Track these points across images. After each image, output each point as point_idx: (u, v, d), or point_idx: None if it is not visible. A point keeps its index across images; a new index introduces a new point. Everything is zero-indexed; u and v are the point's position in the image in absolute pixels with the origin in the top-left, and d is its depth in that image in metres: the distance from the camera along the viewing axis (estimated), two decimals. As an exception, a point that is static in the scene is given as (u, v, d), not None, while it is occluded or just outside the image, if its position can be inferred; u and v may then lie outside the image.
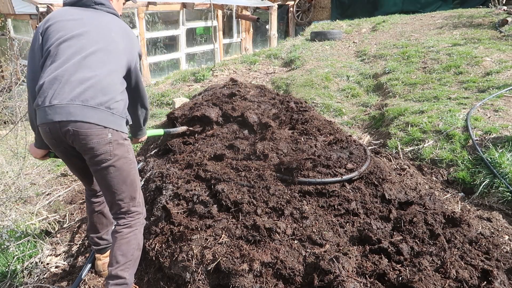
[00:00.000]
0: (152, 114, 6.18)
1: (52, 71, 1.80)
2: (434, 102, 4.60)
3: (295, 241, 2.06)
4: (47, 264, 2.69)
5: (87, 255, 2.65)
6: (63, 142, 1.87)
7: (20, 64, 5.35)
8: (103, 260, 2.34)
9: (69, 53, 1.83)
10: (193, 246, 2.04)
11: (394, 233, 2.18)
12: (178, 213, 2.33)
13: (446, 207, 2.72)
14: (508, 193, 2.87)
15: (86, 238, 2.90)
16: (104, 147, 1.85)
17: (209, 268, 1.95)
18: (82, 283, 2.36)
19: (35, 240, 2.83)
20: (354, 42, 8.69)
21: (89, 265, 2.39)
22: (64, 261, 2.71)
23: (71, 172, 2.33)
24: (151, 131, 2.80)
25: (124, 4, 2.23)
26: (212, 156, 2.80)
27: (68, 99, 1.77)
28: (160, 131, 2.98)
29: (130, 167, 1.98)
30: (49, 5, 7.73)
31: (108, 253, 2.32)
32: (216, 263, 1.93)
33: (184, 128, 3.16)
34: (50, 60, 1.84)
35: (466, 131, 3.63)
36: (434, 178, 3.33)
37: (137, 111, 2.20)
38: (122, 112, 1.93)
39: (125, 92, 1.99)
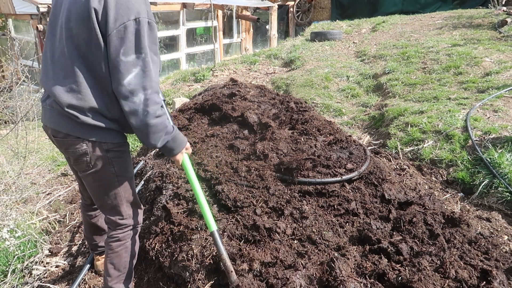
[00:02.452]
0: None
1: (43, 68, 1.74)
2: (434, 102, 4.60)
3: (295, 241, 2.07)
4: (47, 263, 2.69)
5: (87, 255, 2.66)
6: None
7: (21, 64, 5.36)
8: (101, 260, 2.35)
9: (50, 51, 1.72)
10: (193, 246, 2.05)
11: (394, 233, 2.19)
12: (178, 212, 2.34)
13: (445, 207, 2.73)
14: (508, 193, 2.88)
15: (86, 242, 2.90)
16: (80, 158, 1.68)
17: (209, 268, 1.96)
18: (82, 282, 2.37)
19: (35, 239, 2.83)
20: (354, 42, 8.70)
21: (88, 266, 2.40)
22: (64, 261, 2.71)
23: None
24: (192, 175, 1.89)
25: None
26: (212, 156, 2.81)
27: (48, 103, 1.68)
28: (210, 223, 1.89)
29: (112, 180, 1.77)
30: (50, 5, 7.74)
31: None
32: (216, 263, 1.93)
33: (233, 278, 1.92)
34: (44, 55, 1.76)
35: (465, 131, 3.64)
36: (433, 178, 3.34)
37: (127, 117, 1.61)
38: (105, 121, 1.65)
39: (110, 94, 1.62)
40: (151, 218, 2.48)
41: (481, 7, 10.63)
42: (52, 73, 1.63)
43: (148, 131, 1.60)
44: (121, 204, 1.86)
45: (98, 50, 1.54)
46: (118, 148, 1.75)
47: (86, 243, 2.66)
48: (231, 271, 1.80)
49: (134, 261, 2.04)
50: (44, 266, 2.67)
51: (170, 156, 1.77)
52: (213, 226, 1.85)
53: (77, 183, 2.38)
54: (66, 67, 1.59)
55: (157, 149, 1.76)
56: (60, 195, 3.69)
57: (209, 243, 2.04)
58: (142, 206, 2.05)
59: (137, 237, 2.03)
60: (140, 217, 2.01)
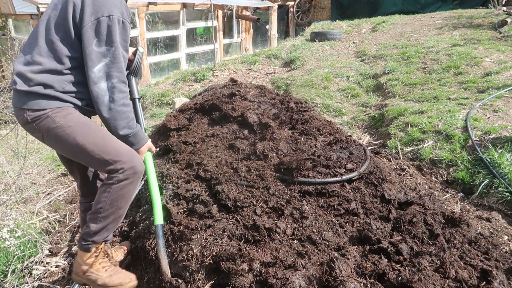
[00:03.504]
0: (152, 114, 6.18)
1: None
2: (434, 102, 4.60)
3: (295, 241, 2.07)
4: (47, 263, 2.70)
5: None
6: None
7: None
8: None
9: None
10: (193, 246, 2.04)
11: (394, 233, 2.19)
12: (178, 212, 2.34)
13: (445, 207, 2.73)
14: (508, 193, 2.88)
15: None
16: (27, 126, 1.83)
17: (209, 268, 1.96)
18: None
19: (35, 239, 2.84)
20: (354, 42, 8.70)
21: None
22: (64, 261, 2.71)
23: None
24: (152, 172, 2.06)
25: None
26: (212, 156, 2.81)
27: None
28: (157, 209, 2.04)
29: (64, 133, 1.78)
30: (50, 5, 7.73)
31: None
32: (216, 263, 1.93)
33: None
34: None
35: (465, 131, 3.64)
36: (433, 178, 3.34)
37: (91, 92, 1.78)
38: (49, 92, 1.76)
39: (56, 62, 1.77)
40: (151, 218, 2.48)
41: (481, 7, 10.64)
42: (23, 55, 1.81)
43: (112, 116, 1.78)
44: (94, 152, 1.81)
45: (62, 33, 1.74)
46: (57, 110, 1.79)
47: None
48: (164, 268, 1.92)
49: (119, 214, 1.95)
50: (44, 266, 2.67)
51: (120, 134, 1.89)
52: (160, 220, 1.97)
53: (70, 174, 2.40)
54: (31, 45, 1.79)
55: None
56: (60, 195, 3.69)
57: (209, 243, 2.04)
58: (132, 152, 1.92)
59: (131, 187, 1.90)
60: (133, 162, 1.87)
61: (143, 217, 2.59)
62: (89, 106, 1.90)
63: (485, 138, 3.50)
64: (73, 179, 4.00)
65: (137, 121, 2.05)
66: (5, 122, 5.41)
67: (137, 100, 2.12)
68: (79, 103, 1.86)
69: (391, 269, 1.84)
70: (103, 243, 2.03)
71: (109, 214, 1.92)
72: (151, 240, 2.29)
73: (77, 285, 2.30)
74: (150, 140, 2.02)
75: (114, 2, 1.75)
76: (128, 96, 1.81)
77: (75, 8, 1.72)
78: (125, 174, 1.85)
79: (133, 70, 2.09)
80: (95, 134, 1.84)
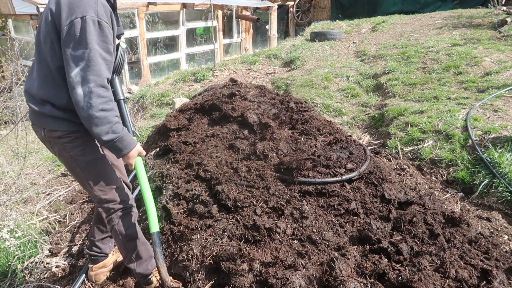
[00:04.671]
0: (152, 114, 6.18)
1: None
2: (434, 102, 4.60)
3: (295, 241, 2.07)
4: (47, 264, 2.69)
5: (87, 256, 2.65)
6: None
7: (21, 64, 5.36)
8: (95, 271, 2.33)
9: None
10: (193, 246, 2.04)
11: (394, 233, 2.19)
12: (178, 213, 2.34)
13: (445, 207, 2.73)
14: (508, 193, 2.88)
15: (86, 239, 2.90)
16: (45, 143, 1.95)
17: (209, 268, 1.96)
18: (82, 283, 2.37)
19: (35, 240, 2.83)
20: (354, 42, 8.70)
21: (83, 276, 2.38)
22: (64, 261, 2.71)
23: None
24: (144, 179, 1.94)
25: None
26: (212, 156, 2.81)
27: None
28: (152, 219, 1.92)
29: (72, 164, 1.90)
30: (49, 5, 7.73)
31: (100, 264, 2.34)
32: (216, 263, 1.93)
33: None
34: None
35: (465, 131, 3.64)
36: (433, 178, 3.34)
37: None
38: (56, 112, 1.80)
39: (52, 83, 1.78)
40: (151, 218, 2.48)
41: (481, 6, 10.63)
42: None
43: (91, 122, 1.69)
44: (91, 187, 1.95)
45: (49, 43, 1.72)
46: (69, 135, 1.85)
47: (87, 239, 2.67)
48: (164, 276, 1.89)
49: (137, 243, 2.07)
50: (44, 267, 2.67)
51: (119, 156, 1.85)
52: (156, 228, 1.88)
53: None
54: (33, 64, 1.87)
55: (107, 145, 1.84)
56: (60, 195, 3.69)
57: (209, 243, 2.04)
58: (123, 190, 2.04)
59: (127, 219, 2.04)
60: (124, 202, 2.02)
61: (143, 217, 2.59)
62: None
63: (485, 137, 3.50)
64: (73, 180, 3.99)
65: (124, 124, 1.97)
66: (5, 123, 5.41)
67: (122, 101, 2.03)
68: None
69: (391, 269, 1.84)
70: (154, 269, 2.13)
71: (134, 247, 2.06)
72: (151, 241, 2.29)
73: (77, 285, 2.30)
74: (139, 144, 1.93)
75: (89, 2, 1.67)
76: (109, 100, 1.71)
77: (53, 15, 1.68)
78: (119, 210, 2.03)
79: (115, 68, 1.97)
80: (98, 173, 1.96)
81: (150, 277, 2.13)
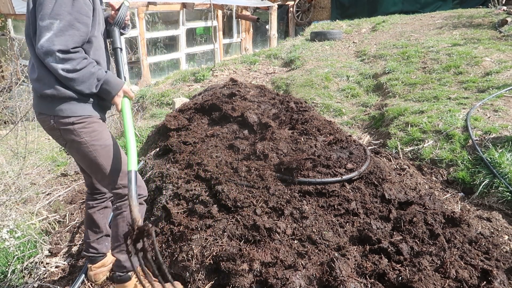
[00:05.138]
0: (152, 114, 6.18)
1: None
2: (434, 102, 4.60)
3: (295, 241, 2.06)
4: (47, 264, 2.69)
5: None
6: None
7: (20, 64, 5.36)
8: (94, 271, 2.32)
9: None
10: (193, 246, 2.04)
11: (394, 233, 2.18)
12: (178, 213, 2.33)
13: (446, 207, 2.72)
14: (508, 193, 2.87)
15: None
16: (53, 133, 1.89)
17: (209, 268, 1.95)
18: (81, 283, 2.36)
19: (35, 240, 2.83)
20: (354, 42, 8.70)
21: (83, 276, 2.38)
22: (64, 261, 2.71)
23: None
24: (128, 118, 1.95)
25: None
26: (212, 156, 2.81)
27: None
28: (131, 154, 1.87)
29: (87, 150, 1.89)
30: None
31: (99, 263, 2.34)
32: (216, 263, 1.93)
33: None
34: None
35: (466, 131, 3.64)
36: (434, 178, 3.33)
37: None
38: (64, 94, 1.79)
39: (37, 63, 1.78)
40: (151, 218, 2.48)
41: (481, 6, 10.63)
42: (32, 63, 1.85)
43: (75, 83, 1.76)
44: (108, 173, 1.95)
45: (33, 25, 1.73)
46: (82, 120, 1.86)
47: (82, 241, 2.67)
48: (135, 215, 1.76)
49: None
50: (44, 267, 2.66)
51: (109, 99, 1.91)
52: (134, 167, 1.84)
53: (79, 180, 2.51)
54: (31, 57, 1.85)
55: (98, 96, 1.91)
56: (60, 196, 3.69)
57: (209, 243, 2.04)
58: (139, 178, 2.01)
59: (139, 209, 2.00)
60: (139, 188, 1.98)
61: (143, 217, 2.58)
62: (100, 99, 1.93)
63: (486, 137, 3.49)
64: (73, 180, 3.99)
65: (118, 72, 2.05)
66: (5, 123, 5.41)
67: (118, 50, 2.11)
68: (91, 99, 1.88)
69: (391, 269, 1.84)
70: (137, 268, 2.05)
71: None
72: (151, 241, 2.28)
73: (77, 285, 2.30)
74: (126, 84, 1.96)
75: None
76: (81, 60, 1.75)
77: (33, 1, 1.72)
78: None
79: (116, 22, 2.11)
80: (115, 158, 1.96)
81: (130, 273, 2.08)
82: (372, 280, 1.81)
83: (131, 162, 1.86)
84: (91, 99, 1.88)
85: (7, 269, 2.62)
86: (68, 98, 1.80)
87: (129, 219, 1.90)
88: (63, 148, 4.78)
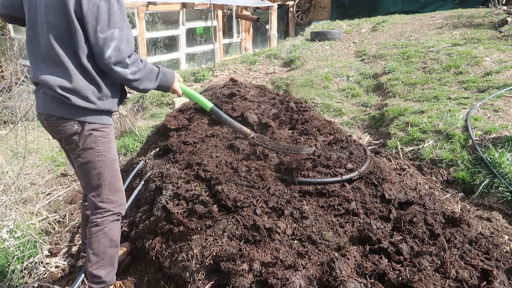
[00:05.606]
0: (152, 114, 6.18)
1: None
2: (434, 102, 4.60)
3: (295, 241, 2.06)
4: (47, 264, 2.69)
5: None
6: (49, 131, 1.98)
7: (20, 64, 5.35)
8: None
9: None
10: (193, 246, 2.04)
11: (394, 233, 2.18)
12: (178, 213, 2.33)
13: (446, 207, 2.72)
14: (508, 193, 2.87)
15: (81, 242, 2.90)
16: (71, 137, 1.88)
17: (209, 268, 1.95)
18: (81, 283, 2.36)
19: (35, 240, 2.83)
20: (354, 42, 8.70)
21: (82, 276, 2.38)
22: (64, 261, 2.71)
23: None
24: (193, 92, 2.30)
25: None
26: (212, 156, 2.80)
27: (40, 91, 1.85)
28: (207, 103, 2.38)
29: (97, 159, 1.94)
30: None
31: None
32: (216, 263, 1.93)
33: (247, 131, 2.53)
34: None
35: (466, 131, 3.64)
36: (434, 178, 3.33)
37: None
38: (93, 101, 1.84)
39: (84, 76, 1.82)
40: (151, 218, 2.48)
41: (481, 6, 10.63)
42: (44, 66, 1.80)
43: (140, 83, 1.87)
44: (104, 185, 2.00)
45: (77, 35, 1.72)
46: (104, 129, 1.93)
47: (81, 242, 2.66)
48: (243, 129, 2.33)
49: (117, 250, 2.09)
50: (44, 267, 2.66)
51: (168, 90, 2.06)
52: (210, 104, 2.30)
53: (78, 180, 2.52)
54: (54, 58, 1.77)
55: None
56: (59, 196, 3.69)
57: (209, 244, 2.04)
58: (124, 197, 2.15)
59: (117, 225, 2.09)
60: (122, 207, 2.11)
61: (143, 217, 2.58)
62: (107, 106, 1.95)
63: (486, 137, 3.49)
64: (73, 180, 3.99)
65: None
66: (5, 122, 5.41)
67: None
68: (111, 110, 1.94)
69: (391, 269, 1.84)
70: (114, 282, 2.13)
71: (112, 254, 2.06)
72: (151, 241, 2.28)
73: (77, 285, 2.30)
74: (175, 72, 2.13)
75: None
76: (139, 59, 1.85)
77: (68, 2, 1.69)
78: (115, 215, 2.07)
79: None
80: (115, 173, 2.04)
81: (111, 286, 2.11)
82: (372, 280, 1.81)
83: (206, 102, 2.35)
84: (102, 105, 1.90)
85: (7, 269, 2.62)
86: (96, 110, 1.87)
87: (110, 235, 2.03)
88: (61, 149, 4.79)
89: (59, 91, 1.77)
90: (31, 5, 1.80)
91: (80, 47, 1.74)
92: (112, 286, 2.12)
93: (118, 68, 1.75)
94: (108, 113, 1.96)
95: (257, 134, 2.49)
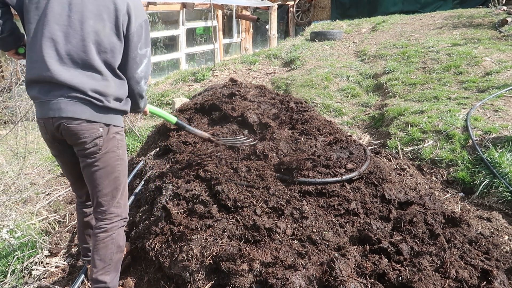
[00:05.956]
0: (152, 114, 6.18)
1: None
2: (434, 102, 4.60)
3: (295, 241, 2.06)
4: (47, 264, 2.69)
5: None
6: (56, 137, 1.89)
7: (20, 64, 5.35)
8: None
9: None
10: (193, 246, 2.04)
11: (394, 233, 2.18)
12: (178, 213, 2.33)
13: (446, 207, 2.72)
14: (508, 193, 2.87)
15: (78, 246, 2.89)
16: (94, 140, 1.87)
17: (209, 268, 1.95)
18: (81, 283, 2.36)
19: (35, 240, 2.83)
20: (354, 42, 8.70)
21: (82, 276, 2.38)
22: (64, 261, 2.71)
23: (64, 173, 2.24)
24: (159, 110, 2.52)
25: None
26: (212, 156, 2.80)
27: (58, 95, 1.77)
28: (172, 118, 2.63)
29: (116, 163, 1.97)
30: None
31: None
32: (216, 263, 1.93)
33: (206, 135, 2.83)
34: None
35: (466, 131, 3.64)
36: (434, 178, 3.33)
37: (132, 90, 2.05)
38: (116, 105, 1.90)
39: (116, 82, 1.89)
40: (151, 218, 2.48)
41: (481, 6, 10.62)
42: (70, 66, 1.77)
43: (143, 102, 2.10)
44: (118, 189, 2.02)
45: (119, 47, 1.84)
46: (122, 132, 2.01)
47: (79, 247, 2.64)
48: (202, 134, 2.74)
49: (121, 256, 2.09)
50: (44, 267, 2.66)
51: (141, 111, 2.22)
52: (174, 119, 2.60)
53: (69, 183, 2.46)
54: (85, 59, 1.78)
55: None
56: (59, 196, 3.69)
57: (209, 244, 2.04)
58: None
59: (123, 231, 2.09)
60: (127, 210, 2.13)
61: (143, 217, 2.58)
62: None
63: (486, 137, 3.49)
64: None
65: None
66: (5, 123, 5.41)
67: None
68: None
69: (391, 269, 1.84)
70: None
71: (117, 259, 2.06)
72: (151, 241, 2.28)
73: (77, 285, 2.30)
74: None
75: (142, 5, 1.94)
76: None
77: (118, 14, 1.79)
78: (123, 221, 2.08)
79: None
80: (125, 177, 2.08)
81: None
82: (372, 280, 1.81)
83: (170, 117, 2.59)
84: (122, 109, 2.00)
85: (7, 269, 2.62)
86: (120, 112, 1.97)
87: (118, 241, 2.02)
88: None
89: (91, 93, 1.78)
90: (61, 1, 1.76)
91: (117, 56, 1.84)
92: None
93: (142, 83, 1.97)
94: (125, 113, 2.05)
95: (215, 136, 2.89)
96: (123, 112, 1.99)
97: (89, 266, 2.33)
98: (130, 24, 1.82)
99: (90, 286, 2.35)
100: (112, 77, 1.86)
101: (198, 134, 2.79)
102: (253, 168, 2.54)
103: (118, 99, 1.90)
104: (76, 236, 3.01)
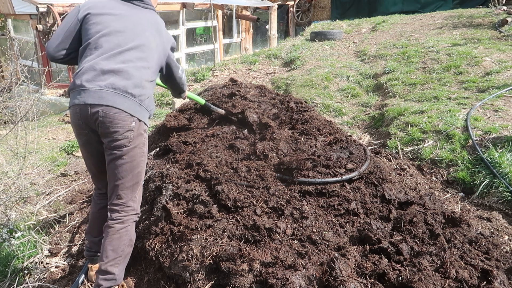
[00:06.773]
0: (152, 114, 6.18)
1: (89, 61, 2.00)
2: (434, 102, 4.60)
3: (295, 241, 2.06)
4: (47, 264, 2.69)
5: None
6: (88, 125, 2.01)
7: (20, 64, 5.35)
8: (95, 271, 2.32)
9: (106, 47, 2.03)
10: (193, 246, 2.04)
11: (394, 233, 2.18)
12: (178, 213, 2.33)
13: (446, 207, 2.72)
14: (508, 193, 2.87)
15: (85, 239, 2.89)
16: (125, 133, 2.00)
17: (209, 268, 1.95)
18: (81, 283, 2.36)
19: (35, 240, 2.83)
20: (354, 42, 8.70)
21: (82, 276, 2.38)
22: (64, 261, 2.71)
23: (86, 164, 2.32)
24: (193, 94, 3.08)
25: None
26: (212, 156, 2.80)
27: (102, 85, 1.95)
28: (201, 100, 3.16)
29: (141, 159, 2.11)
30: (49, 5, 7.74)
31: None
32: (216, 263, 1.93)
33: (222, 111, 3.27)
34: (90, 51, 2.03)
35: (466, 131, 3.64)
36: (434, 178, 3.33)
37: (174, 84, 2.60)
38: (147, 106, 2.10)
39: (152, 87, 2.18)
40: (151, 218, 2.48)
41: (481, 6, 10.62)
42: (123, 65, 2.04)
43: (186, 87, 2.72)
44: (138, 184, 2.14)
45: (156, 53, 2.20)
46: (147, 132, 2.16)
47: (86, 241, 2.64)
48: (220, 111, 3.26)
49: (130, 251, 2.15)
50: (44, 267, 2.66)
51: (184, 96, 2.80)
52: (203, 101, 3.16)
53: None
54: (135, 65, 2.07)
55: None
56: (59, 196, 3.69)
57: (209, 244, 2.04)
58: None
59: (134, 226, 2.18)
60: (139, 206, 2.23)
61: (143, 217, 2.58)
62: None
63: (486, 137, 3.49)
64: (73, 180, 3.99)
65: None
66: (5, 123, 5.40)
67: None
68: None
69: (391, 269, 1.84)
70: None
71: (128, 253, 2.13)
72: (151, 241, 2.28)
73: (77, 285, 2.30)
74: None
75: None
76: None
77: (161, 30, 2.27)
78: (137, 216, 2.19)
79: None
80: (144, 175, 2.21)
81: (119, 284, 2.13)
82: (372, 280, 1.81)
83: (199, 99, 3.14)
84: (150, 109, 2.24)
85: (7, 269, 2.62)
86: (150, 112, 2.16)
87: (130, 234, 2.12)
88: (63, 148, 4.78)
89: (131, 90, 2.01)
90: (129, 16, 2.15)
91: (154, 62, 2.18)
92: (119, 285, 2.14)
93: (184, 73, 2.56)
94: (151, 114, 2.22)
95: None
96: (150, 113, 2.18)
97: (90, 265, 2.34)
98: (169, 42, 2.37)
99: (90, 286, 2.35)
100: (148, 82, 2.14)
101: (219, 112, 3.26)
102: (253, 168, 2.54)
103: (149, 99, 2.12)
104: (76, 236, 3.01)
